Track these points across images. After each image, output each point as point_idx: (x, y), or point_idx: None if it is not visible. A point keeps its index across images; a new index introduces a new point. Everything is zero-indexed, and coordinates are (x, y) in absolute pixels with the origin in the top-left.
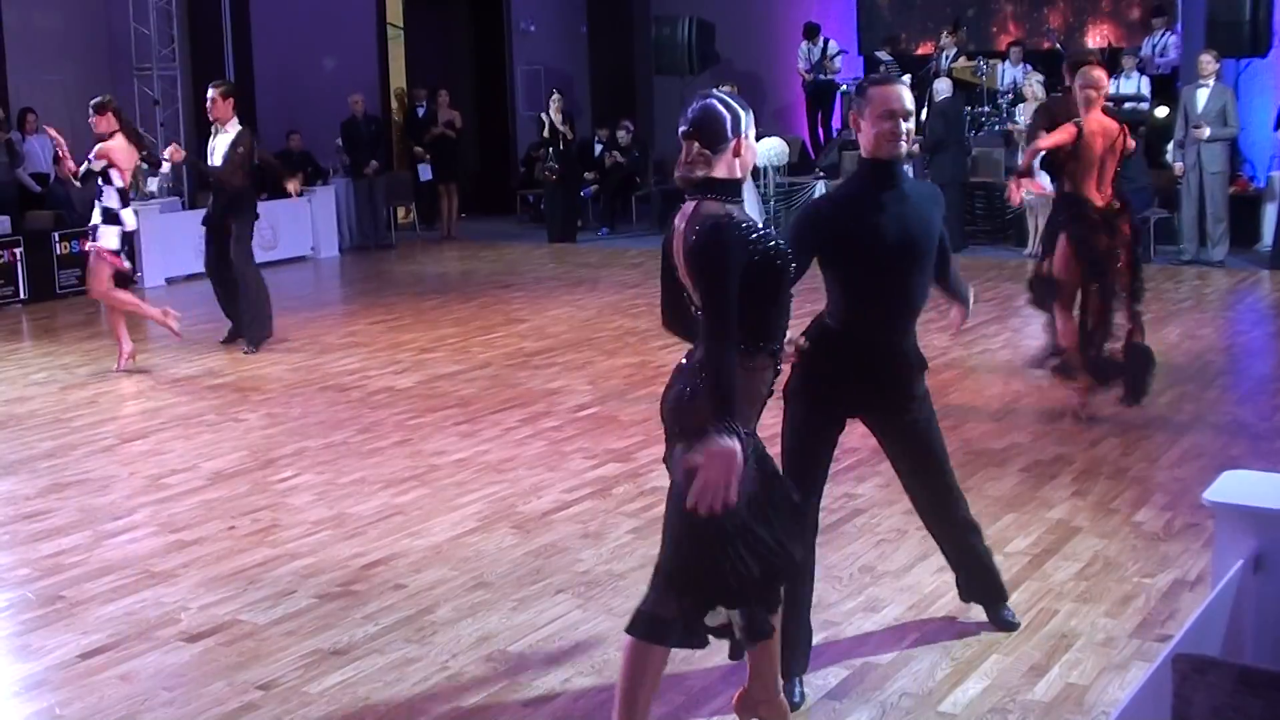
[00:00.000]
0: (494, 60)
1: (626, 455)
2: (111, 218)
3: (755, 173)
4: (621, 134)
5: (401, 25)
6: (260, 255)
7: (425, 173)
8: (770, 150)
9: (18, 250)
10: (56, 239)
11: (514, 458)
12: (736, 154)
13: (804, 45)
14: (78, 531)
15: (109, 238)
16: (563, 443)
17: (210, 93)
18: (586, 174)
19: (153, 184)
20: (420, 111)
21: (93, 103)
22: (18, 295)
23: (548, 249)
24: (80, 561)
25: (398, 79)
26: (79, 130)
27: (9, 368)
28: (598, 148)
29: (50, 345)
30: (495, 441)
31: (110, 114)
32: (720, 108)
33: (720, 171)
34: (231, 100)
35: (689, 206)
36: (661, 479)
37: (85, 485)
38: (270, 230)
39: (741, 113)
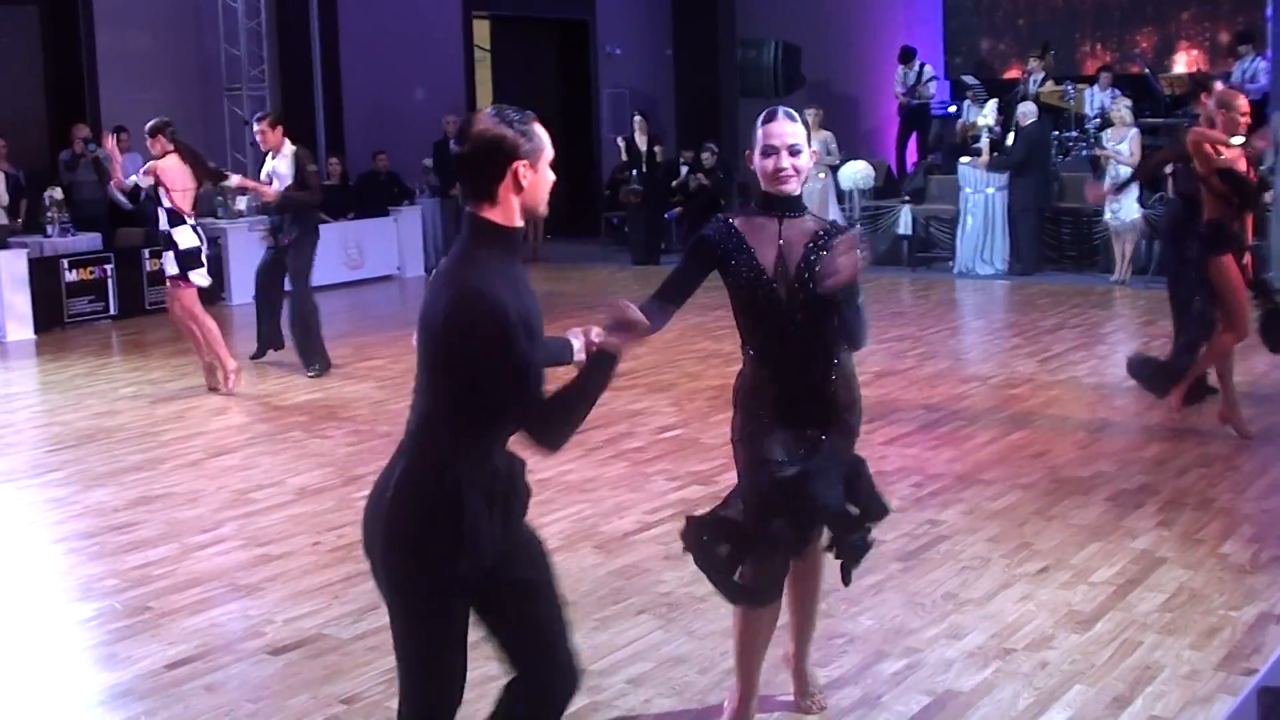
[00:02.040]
0: (580, 83)
1: (709, 478)
2: (165, 241)
3: (840, 196)
4: (706, 156)
5: (489, 48)
6: (346, 274)
7: None
8: (856, 174)
9: (108, 266)
10: (146, 255)
11: (596, 478)
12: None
13: (900, 69)
14: (165, 544)
15: (169, 264)
16: (645, 464)
17: (257, 125)
18: (671, 197)
19: (242, 203)
20: None
21: (146, 126)
22: (108, 311)
23: (631, 271)
24: (167, 573)
25: (484, 101)
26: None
27: (99, 382)
28: (682, 170)
29: (139, 360)
30: (578, 461)
31: (161, 138)
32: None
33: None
34: (280, 127)
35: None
36: None
37: (173, 498)
38: (356, 249)
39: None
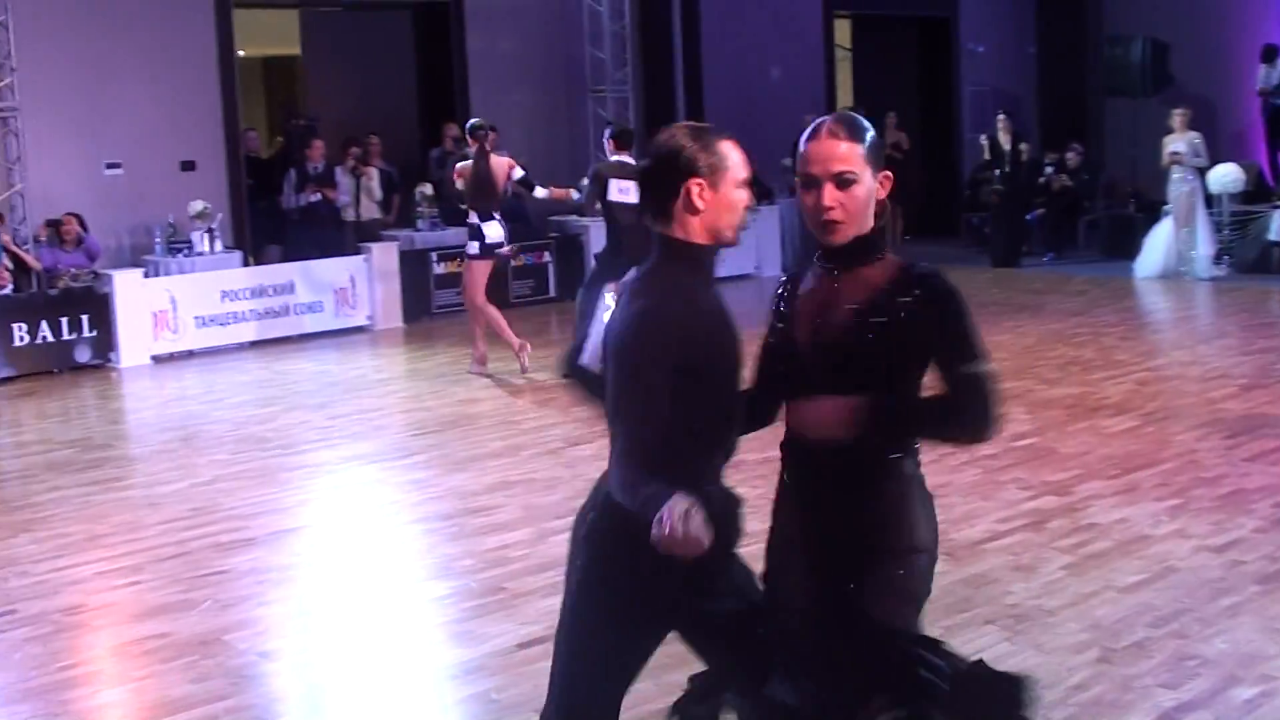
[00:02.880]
0: (940, 81)
1: (1064, 489)
2: (474, 233)
3: (1209, 200)
4: (1070, 156)
5: (849, 47)
6: None
7: None
8: (1225, 177)
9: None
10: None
11: (948, 484)
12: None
13: (1263, 69)
14: (522, 527)
15: (471, 248)
16: (998, 472)
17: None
18: (1034, 198)
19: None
20: None
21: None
22: (462, 305)
23: (990, 274)
24: (523, 556)
25: (844, 100)
26: (535, 149)
27: (463, 370)
28: (1046, 170)
29: (503, 350)
30: (930, 467)
31: (471, 138)
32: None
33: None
34: (614, 142)
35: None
36: (1099, 515)
37: (531, 484)
38: None
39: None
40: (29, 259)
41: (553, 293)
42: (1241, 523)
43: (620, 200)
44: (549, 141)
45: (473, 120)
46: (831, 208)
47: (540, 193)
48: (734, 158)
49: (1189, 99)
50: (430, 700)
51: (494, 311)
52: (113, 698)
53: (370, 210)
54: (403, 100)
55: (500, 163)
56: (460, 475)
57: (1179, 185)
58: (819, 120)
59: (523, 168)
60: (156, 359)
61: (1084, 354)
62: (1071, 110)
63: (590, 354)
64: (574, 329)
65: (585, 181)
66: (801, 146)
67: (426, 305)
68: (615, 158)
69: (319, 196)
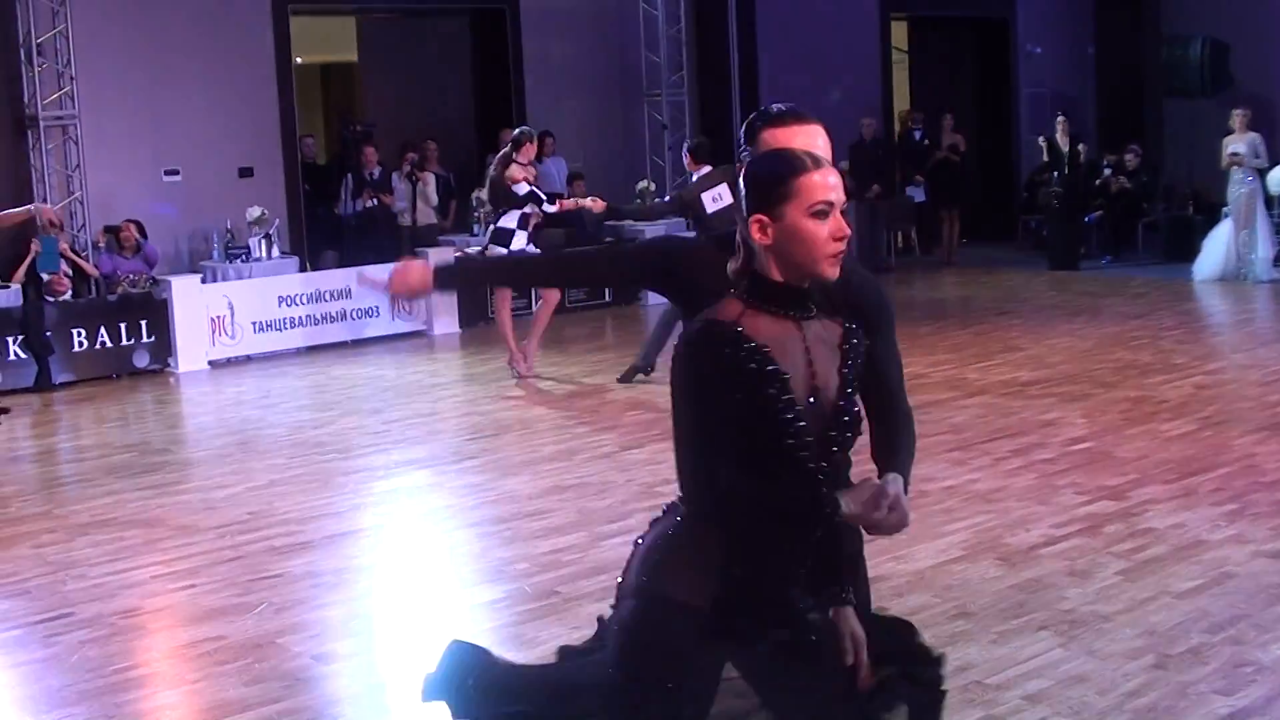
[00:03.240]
0: (998, 83)
1: (1120, 493)
2: (502, 238)
3: (1269, 202)
4: (1129, 158)
5: (906, 50)
6: None
7: (918, 195)
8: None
9: None
10: None
11: (1003, 488)
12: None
13: None
14: (575, 531)
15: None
16: (1054, 476)
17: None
18: (1092, 199)
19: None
20: (917, 135)
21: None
22: (530, 307)
23: (1048, 276)
24: (576, 560)
25: (901, 103)
26: (590, 153)
27: (508, 378)
28: (1105, 172)
29: (557, 355)
30: (985, 471)
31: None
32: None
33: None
34: (690, 156)
35: None
36: (1155, 520)
37: (585, 488)
38: None
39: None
40: (87, 267)
41: (607, 297)
42: None
43: (718, 208)
44: (604, 146)
45: (520, 128)
46: (847, 235)
47: (549, 208)
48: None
49: (1248, 99)
50: None
51: (505, 315)
52: (168, 700)
53: (427, 215)
54: (459, 106)
55: (514, 172)
56: (514, 479)
57: (1239, 186)
58: (792, 151)
59: (533, 185)
60: (214, 364)
61: (1142, 357)
62: (1130, 111)
63: None
64: (645, 337)
65: (663, 199)
66: (790, 178)
67: (483, 310)
68: (697, 174)
69: (375, 202)
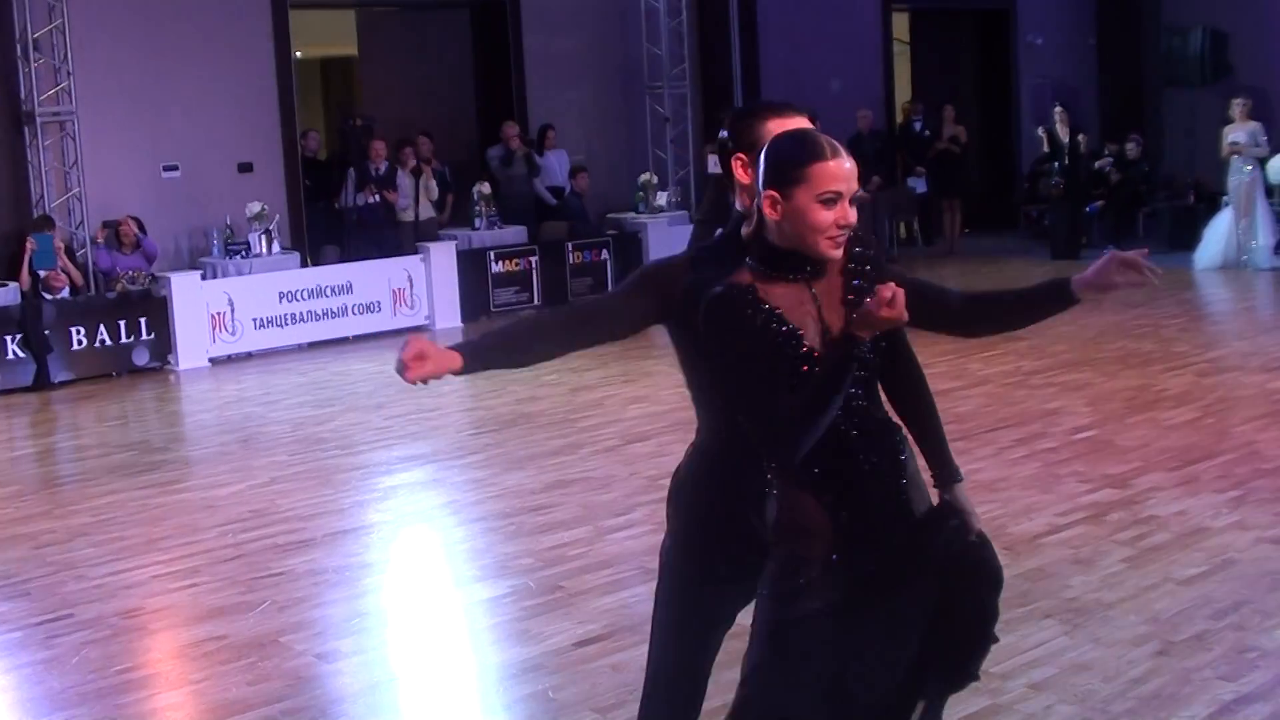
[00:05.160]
0: (1000, 74)
1: (1123, 481)
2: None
3: (1269, 190)
4: (1130, 147)
5: (908, 41)
6: None
7: (920, 186)
8: None
9: (533, 259)
10: (570, 249)
11: (1007, 477)
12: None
13: None
14: (579, 526)
15: None
16: (1058, 465)
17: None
18: (1093, 189)
19: (661, 198)
20: (918, 126)
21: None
22: (531, 301)
23: (1050, 266)
24: (580, 555)
25: (903, 94)
26: (592, 146)
27: (521, 370)
28: (1105, 162)
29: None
30: (989, 460)
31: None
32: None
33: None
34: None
35: None
36: (1158, 507)
37: (588, 483)
38: None
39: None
40: (74, 273)
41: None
42: None
43: None
44: (605, 138)
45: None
46: (851, 224)
47: None
48: (810, 170)
49: (1247, 89)
50: (488, 699)
51: None
52: (170, 700)
53: (426, 209)
54: (460, 99)
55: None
56: (518, 474)
57: (1239, 175)
58: (814, 137)
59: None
60: (214, 361)
61: (1144, 346)
62: (1131, 101)
63: None
64: None
65: None
66: (807, 163)
67: (485, 304)
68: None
69: (378, 198)
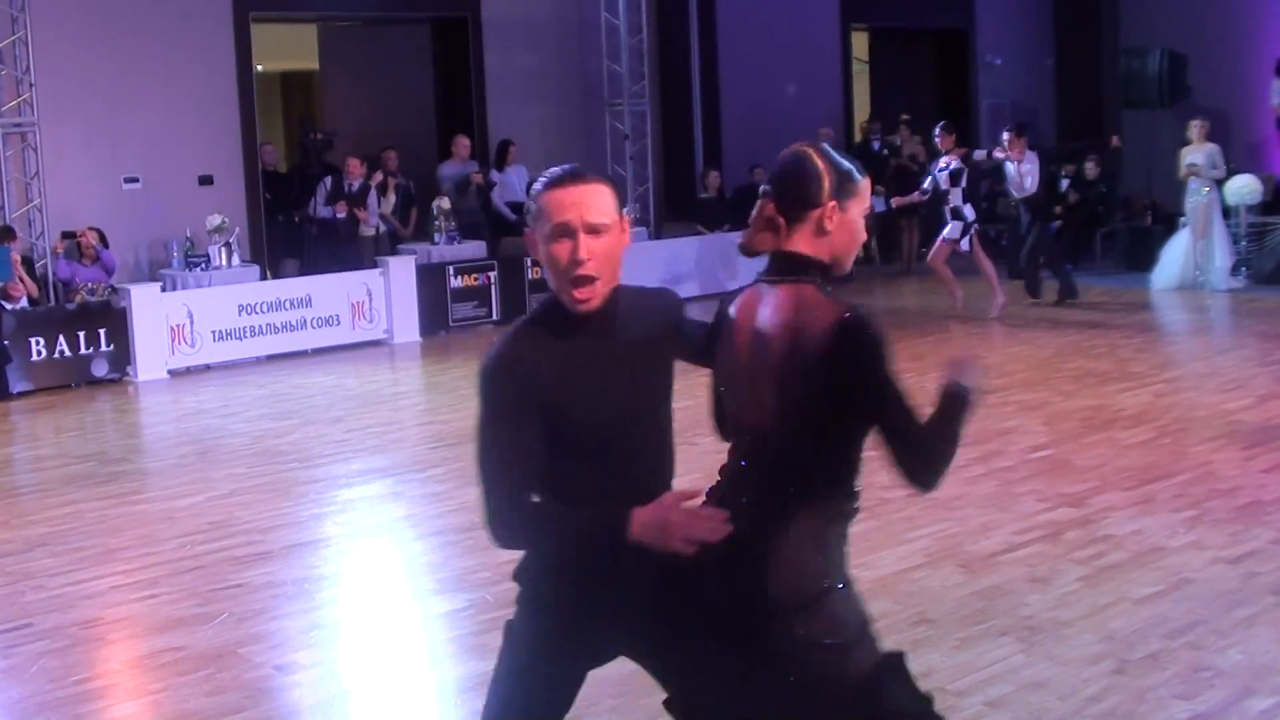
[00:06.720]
0: (958, 94)
1: (1079, 500)
2: (955, 214)
3: (1226, 212)
4: (1088, 167)
5: (867, 60)
6: (724, 284)
7: (877, 204)
8: (1242, 188)
9: (492, 274)
10: (529, 264)
11: (964, 496)
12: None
13: (1275, 82)
14: None
15: (953, 230)
16: (1015, 483)
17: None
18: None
19: None
20: (876, 144)
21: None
22: (490, 316)
23: (1009, 285)
24: None
25: (862, 113)
26: (552, 162)
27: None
28: (1063, 182)
29: None
30: (948, 479)
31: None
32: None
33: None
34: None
35: (779, 294)
36: (1115, 527)
37: None
38: (733, 261)
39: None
40: (29, 283)
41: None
42: (1257, 534)
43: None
44: (565, 154)
45: None
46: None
47: None
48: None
49: (1205, 111)
50: (445, 712)
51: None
52: (129, 711)
53: (387, 223)
54: (420, 114)
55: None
56: (476, 488)
57: (1196, 197)
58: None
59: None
60: (173, 373)
61: (1100, 366)
62: (1089, 121)
63: None
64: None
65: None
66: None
67: (444, 319)
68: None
69: (345, 214)
